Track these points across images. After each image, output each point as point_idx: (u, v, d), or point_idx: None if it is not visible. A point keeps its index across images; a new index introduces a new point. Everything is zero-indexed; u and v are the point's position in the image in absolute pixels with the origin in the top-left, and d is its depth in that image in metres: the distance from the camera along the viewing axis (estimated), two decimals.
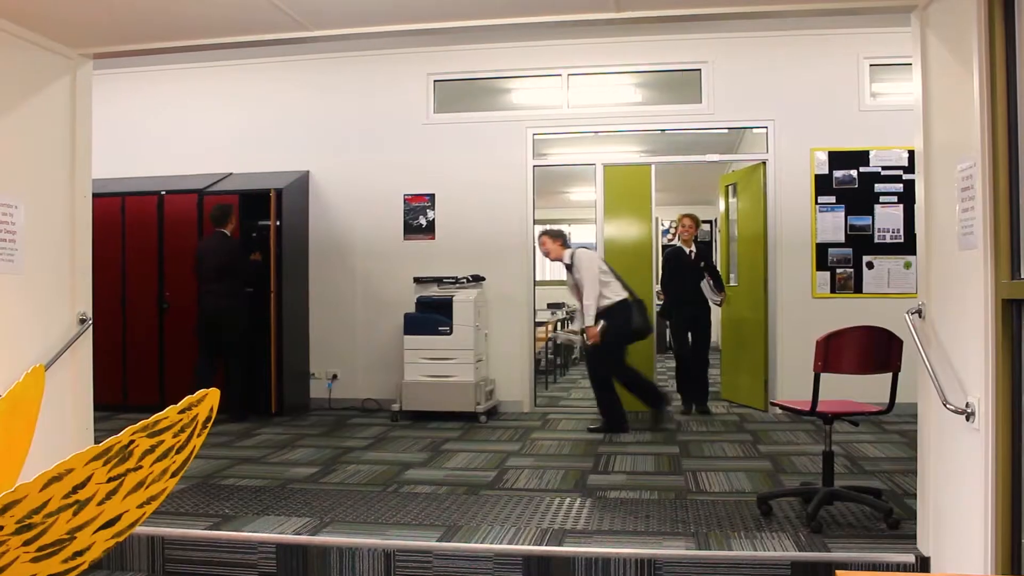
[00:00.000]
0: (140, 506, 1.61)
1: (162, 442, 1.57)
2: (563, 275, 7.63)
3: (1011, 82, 2.83)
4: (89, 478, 1.47)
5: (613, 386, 7.08)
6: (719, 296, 8.12)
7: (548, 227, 7.69)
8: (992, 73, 2.87)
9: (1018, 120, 2.80)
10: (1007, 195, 2.82)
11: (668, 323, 8.80)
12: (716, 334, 9.32)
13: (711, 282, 8.10)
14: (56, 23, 4.01)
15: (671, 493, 4.92)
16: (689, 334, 8.00)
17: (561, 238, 7.38)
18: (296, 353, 8.28)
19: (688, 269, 7.96)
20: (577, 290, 7.18)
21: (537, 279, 8.57)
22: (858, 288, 7.75)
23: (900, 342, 4.21)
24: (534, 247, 8.34)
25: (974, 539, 2.94)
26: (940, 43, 3.40)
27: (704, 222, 16.21)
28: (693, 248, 8.02)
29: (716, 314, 8.47)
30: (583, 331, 7.24)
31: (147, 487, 1.59)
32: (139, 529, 3.29)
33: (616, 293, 7.04)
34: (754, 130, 8.36)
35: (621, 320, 6.98)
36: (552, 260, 7.60)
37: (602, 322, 6.95)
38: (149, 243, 8.11)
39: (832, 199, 7.79)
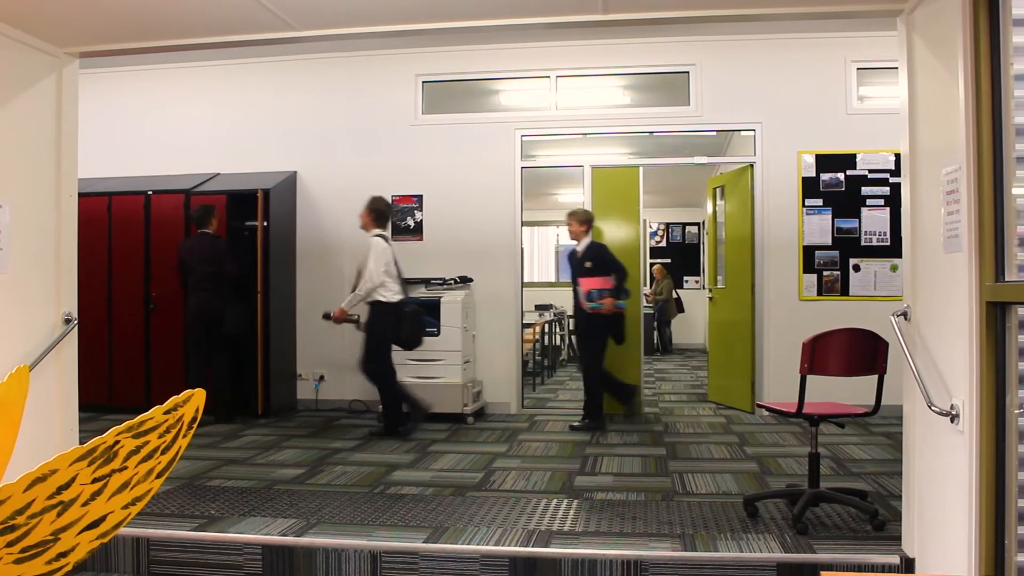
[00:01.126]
0: (125, 507, 1.60)
1: (147, 443, 1.57)
2: (550, 276, 7.64)
3: (996, 86, 2.84)
4: (74, 479, 1.47)
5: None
6: (598, 301, 7.27)
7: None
8: (977, 77, 2.89)
9: (1002, 124, 2.82)
10: (991, 198, 2.84)
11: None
12: (702, 336, 9.32)
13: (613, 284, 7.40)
14: (42, 21, 3.99)
15: (658, 495, 4.93)
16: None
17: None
18: (283, 354, 8.26)
19: (577, 269, 7.53)
20: None
21: (525, 280, 8.56)
22: (845, 291, 7.78)
23: (886, 344, 4.23)
24: (522, 249, 8.35)
25: (958, 540, 2.95)
26: (926, 47, 3.42)
27: (691, 224, 16.33)
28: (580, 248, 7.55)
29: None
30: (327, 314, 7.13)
31: (132, 488, 1.59)
32: (124, 530, 3.28)
33: (393, 293, 6.84)
34: (742, 133, 8.38)
35: (377, 322, 6.85)
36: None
37: (360, 314, 6.91)
38: (135, 243, 8.07)
39: (819, 202, 7.83)
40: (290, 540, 3.98)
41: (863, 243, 7.77)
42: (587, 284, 7.19)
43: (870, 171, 7.77)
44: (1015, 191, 2.81)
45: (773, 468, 5.65)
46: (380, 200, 7.02)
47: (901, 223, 3.71)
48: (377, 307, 6.83)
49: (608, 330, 7.33)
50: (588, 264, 7.28)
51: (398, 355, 7.37)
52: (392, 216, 7.37)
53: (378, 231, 6.92)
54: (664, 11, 4.04)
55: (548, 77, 8.28)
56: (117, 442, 1.51)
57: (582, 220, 7.40)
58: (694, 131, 8.34)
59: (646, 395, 8.26)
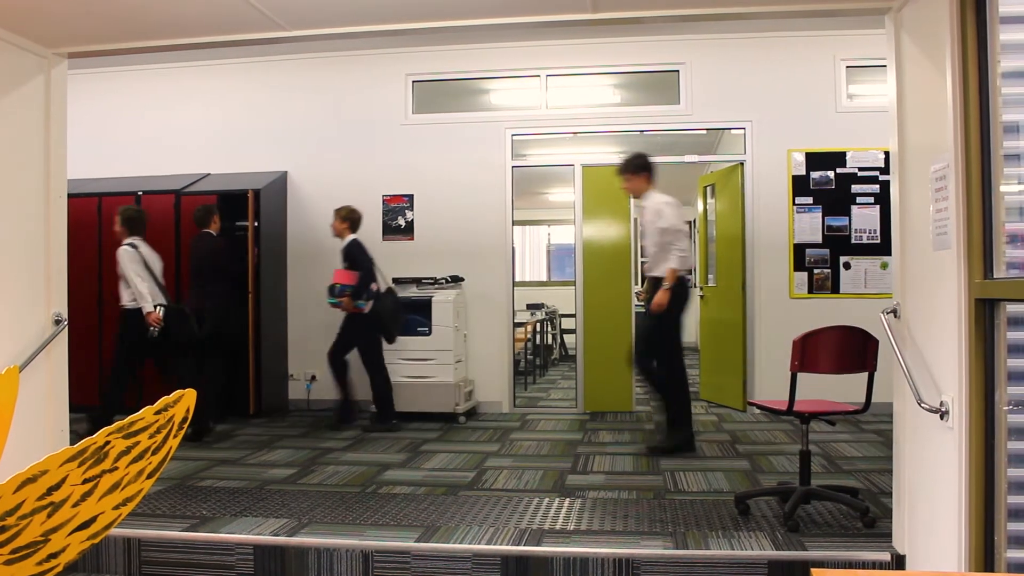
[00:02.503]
0: (116, 507, 1.60)
1: (138, 443, 1.56)
2: (542, 275, 7.63)
3: (983, 83, 2.86)
4: (64, 480, 1.47)
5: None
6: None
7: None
8: (965, 74, 2.90)
9: (990, 121, 2.83)
10: (980, 195, 2.85)
11: None
12: (693, 334, 9.31)
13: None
14: (31, 22, 3.97)
15: (649, 493, 4.94)
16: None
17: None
18: (274, 354, 8.25)
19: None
20: None
21: (516, 280, 8.56)
22: (835, 288, 7.80)
23: (876, 342, 4.24)
24: (513, 248, 8.35)
25: (949, 536, 2.97)
26: (914, 45, 3.43)
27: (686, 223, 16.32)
28: (347, 238, 7.37)
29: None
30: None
31: (123, 488, 1.58)
32: (115, 531, 3.27)
33: (150, 296, 6.75)
34: (732, 131, 8.40)
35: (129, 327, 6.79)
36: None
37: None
38: None
39: (809, 200, 7.85)
40: (282, 540, 3.98)
41: (853, 241, 7.80)
42: (335, 277, 7.19)
43: (860, 169, 7.79)
44: (1003, 188, 2.82)
45: (764, 466, 5.66)
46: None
47: (891, 221, 3.72)
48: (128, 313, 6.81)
49: (372, 329, 7.22)
50: (345, 263, 7.22)
51: (389, 355, 7.38)
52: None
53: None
54: (652, 10, 4.04)
55: (538, 76, 8.28)
56: (108, 443, 1.51)
57: (344, 217, 7.27)
58: (684, 130, 8.35)
59: (637, 393, 8.27)
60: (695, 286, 8.67)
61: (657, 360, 6.20)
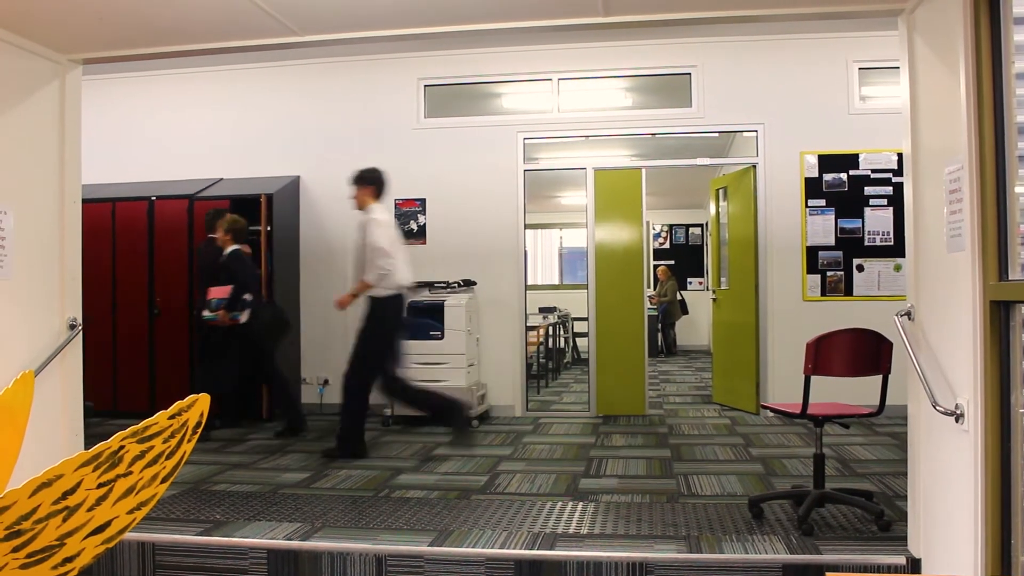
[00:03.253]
0: (130, 512, 1.61)
1: (152, 447, 1.57)
2: (554, 279, 7.60)
3: (997, 84, 2.84)
4: (79, 484, 1.47)
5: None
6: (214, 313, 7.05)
7: None
8: (978, 75, 2.88)
9: (1004, 122, 2.82)
10: (994, 197, 2.83)
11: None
12: (706, 337, 9.28)
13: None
14: (45, 28, 4.00)
15: (663, 496, 4.92)
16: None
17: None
18: (288, 358, 8.26)
19: (211, 278, 7.25)
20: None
21: (528, 283, 8.56)
22: (848, 291, 7.77)
23: (890, 344, 4.22)
24: (525, 251, 8.34)
25: (964, 540, 2.95)
26: (927, 46, 3.42)
27: (694, 226, 16.32)
28: (227, 249, 7.20)
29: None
30: None
31: (137, 493, 1.59)
32: (129, 535, 3.28)
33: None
34: (744, 133, 8.38)
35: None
36: None
37: None
38: (140, 248, 8.09)
39: (822, 202, 7.82)
40: (295, 544, 3.99)
41: (866, 243, 7.77)
42: (212, 293, 7.08)
43: (873, 171, 7.76)
44: (1018, 190, 2.81)
45: (778, 469, 5.64)
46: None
47: (904, 223, 3.71)
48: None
49: (255, 340, 7.13)
50: (223, 275, 7.08)
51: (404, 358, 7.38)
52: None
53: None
54: (664, 13, 4.04)
55: (550, 80, 8.28)
56: (122, 447, 1.51)
57: (227, 229, 7.13)
58: (696, 132, 8.35)
59: (650, 397, 8.24)
60: (708, 289, 8.63)
61: (353, 367, 6.26)
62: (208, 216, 7.55)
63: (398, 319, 6.25)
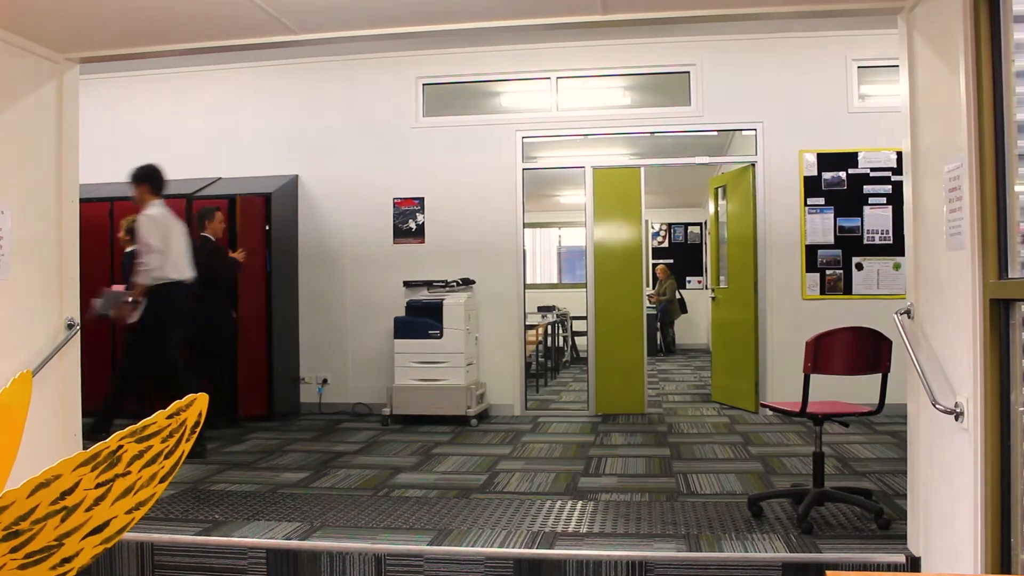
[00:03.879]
0: (129, 512, 1.60)
1: (150, 447, 1.56)
2: (552, 278, 7.59)
3: (997, 82, 2.84)
4: (77, 484, 1.46)
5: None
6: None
7: None
8: (978, 74, 2.88)
9: (1004, 120, 2.82)
10: (994, 195, 2.83)
11: None
12: (705, 336, 9.27)
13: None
14: (42, 27, 3.99)
15: (662, 495, 4.92)
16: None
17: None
18: (286, 358, 8.26)
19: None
20: None
21: (527, 282, 8.56)
22: (848, 289, 7.77)
23: (889, 343, 4.22)
24: (524, 250, 8.34)
25: (964, 539, 2.95)
26: (926, 44, 3.42)
27: (693, 224, 16.33)
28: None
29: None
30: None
31: (136, 493, 1.58)
32: (128, 535, 3.28)
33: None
34: (743, 132, 8.38)
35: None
36: None
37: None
38: None
39: (821, 200, 7.82)
40: (294, 544, 3.98)
41: (866, 241, 7.76)
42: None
43: (872, 169, 7.76)
44: (1018, 188, 2.80)
45: (777, 468, 5.64)
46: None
47: (904, 221, 3.70)
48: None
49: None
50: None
51: (403, 357, 7.38)
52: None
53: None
54: (663, 11, 4.03)
55: (548, 78, 8.28)
56: (120, 447, 1.50)
57: (128, 229, 7.14)
58: (695, 131, 8.34)
59: (650, 395, 8.24)
60: (708, 287, 8.62)
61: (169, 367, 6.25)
62: (198, 215, 7.53)
63: (170, 309, 6.25)
